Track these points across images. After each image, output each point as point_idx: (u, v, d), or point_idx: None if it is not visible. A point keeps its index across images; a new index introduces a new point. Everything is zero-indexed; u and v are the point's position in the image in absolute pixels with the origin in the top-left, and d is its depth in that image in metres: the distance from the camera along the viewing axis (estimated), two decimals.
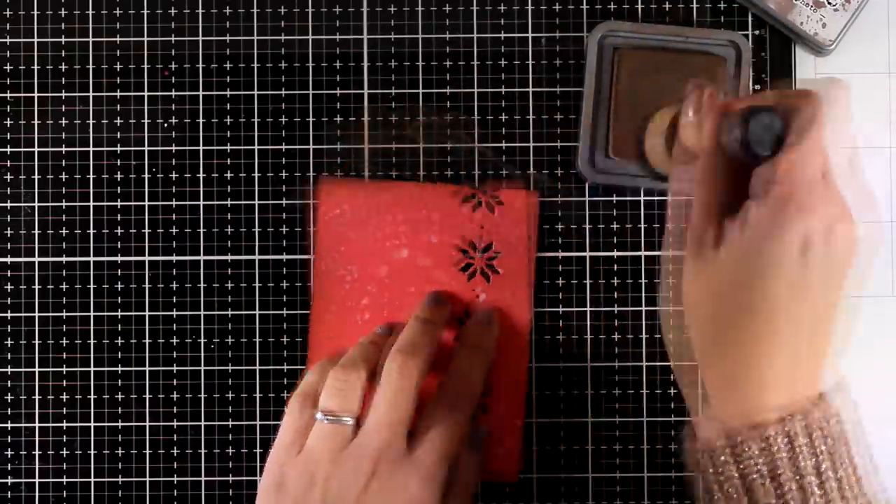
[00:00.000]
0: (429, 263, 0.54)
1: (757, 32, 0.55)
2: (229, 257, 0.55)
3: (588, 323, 0.55)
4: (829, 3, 0.54)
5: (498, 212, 0.54)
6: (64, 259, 0.55)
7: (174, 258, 0.55)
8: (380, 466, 0.46)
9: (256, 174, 0.55)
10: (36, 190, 0.55)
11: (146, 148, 0.55)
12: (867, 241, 0.42)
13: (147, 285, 0.55)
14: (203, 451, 0.55)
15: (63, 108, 0.55)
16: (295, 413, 0.49)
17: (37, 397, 0.55)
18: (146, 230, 0.55)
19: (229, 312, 0.55)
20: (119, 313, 0.55)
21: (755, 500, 0.40)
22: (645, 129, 0.51)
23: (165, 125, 0.55)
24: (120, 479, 0.55)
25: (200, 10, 0.55)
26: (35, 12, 0.55)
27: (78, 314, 0.55)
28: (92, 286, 0.55)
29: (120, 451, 0.55)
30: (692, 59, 0.53)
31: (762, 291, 0.40)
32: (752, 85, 0.55)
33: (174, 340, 0.55)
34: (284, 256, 0.55)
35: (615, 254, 0.55)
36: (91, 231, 0.55)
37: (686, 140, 0.45)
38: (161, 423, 0.55)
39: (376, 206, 0.54)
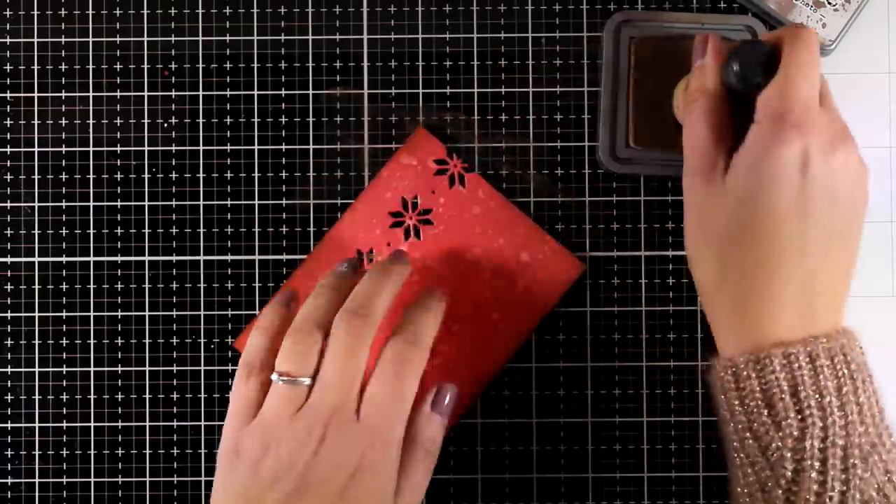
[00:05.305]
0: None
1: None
2: (229, 257, 0.55)
3: (588, 323, 0.54)
4: (829, 3, 0.54)
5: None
6: (64, 259, 0.55)
7: (174, 258, 0.55)
8: (330, 429, 0.45)
9: (256, 174, 0.55)
10: (36, 190, 0.55)
11: (146, 148, 0.55)
12: (868, 169, 0.42)
13: (147, 285, 0.55)
14: (202, 451, 0.55)
15: (63, 108, 0.55)
16: (242, 381, 0.48)
17: (37, 397, 0.55)
18: (146, 230, 0.55)
19: (229, 312, 0.55)
20: (119, 313, 0.55)
21: (775, 414, 0.40)
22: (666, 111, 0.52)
23: (165, 125, 0.55)
24: (120, 479, 0.55)
25: (200, 10, 0.55)
26: (35, 12, 0.55)
27: (78, 314, 0.55)
28: (92, 286, 0.55)
29: (120, 451, 0.55)
30: None
31: (765, 209, 0.40)
32: None
33: (174, 340, 0.55)
34: (284, 256, 0.55)
35: (615, 254, 0.55)
36: (91, 231, 0.55)
37: (695, 82, 0.46)
38: (161, 423, 0.55)
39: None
